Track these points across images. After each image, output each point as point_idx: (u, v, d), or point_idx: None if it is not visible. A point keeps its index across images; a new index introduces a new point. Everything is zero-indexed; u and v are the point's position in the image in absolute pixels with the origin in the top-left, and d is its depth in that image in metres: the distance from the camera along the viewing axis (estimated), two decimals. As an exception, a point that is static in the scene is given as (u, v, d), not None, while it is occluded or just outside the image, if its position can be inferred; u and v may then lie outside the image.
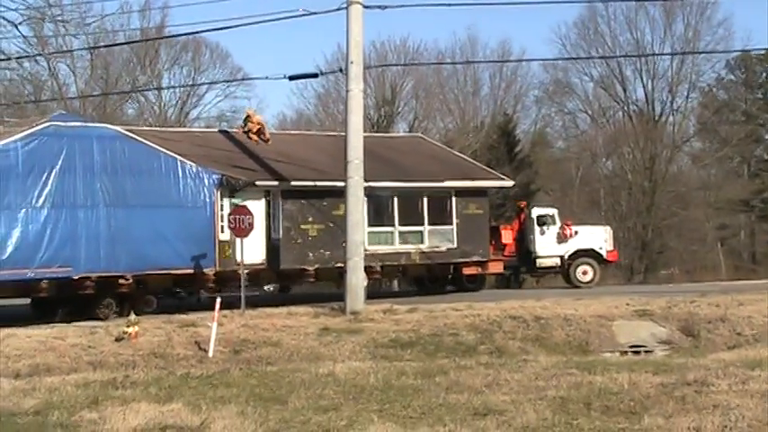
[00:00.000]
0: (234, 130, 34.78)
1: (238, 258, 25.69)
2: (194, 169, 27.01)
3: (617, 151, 62.19)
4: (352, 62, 24.62)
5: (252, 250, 28.35)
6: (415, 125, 60.45)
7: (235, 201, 26.61)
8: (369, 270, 31.54)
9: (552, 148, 67.71)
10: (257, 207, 28.38)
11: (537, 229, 35.19)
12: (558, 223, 35.52)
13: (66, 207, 24.88)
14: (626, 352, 21.07)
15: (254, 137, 31.00)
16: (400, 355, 19.85)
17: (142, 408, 11.69)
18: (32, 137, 24.86)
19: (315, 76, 39.76)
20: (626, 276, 52.64)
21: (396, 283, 42.78)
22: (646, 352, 21.01)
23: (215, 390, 13.34)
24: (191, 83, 59.15)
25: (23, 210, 24.26)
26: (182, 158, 26.99)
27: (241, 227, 25.02)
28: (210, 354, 19.68)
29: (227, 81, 59.95)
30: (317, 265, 29.39)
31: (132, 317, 21.09)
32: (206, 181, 27.07)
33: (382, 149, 34.67)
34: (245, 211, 25.50)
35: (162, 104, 60.51)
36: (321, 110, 63.84)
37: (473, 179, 33.62)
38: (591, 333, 21.98)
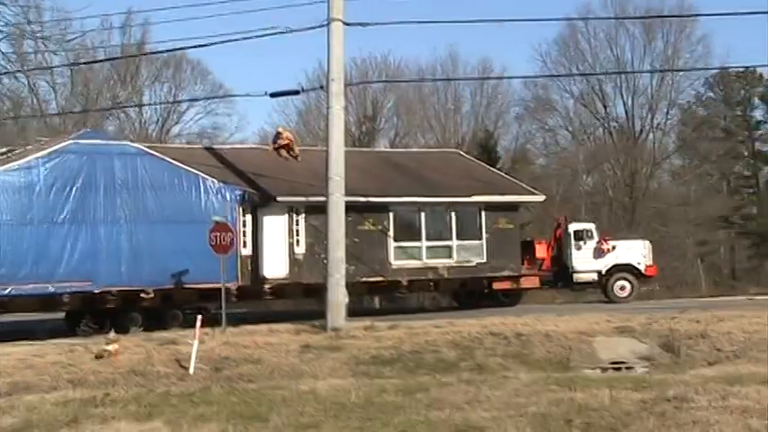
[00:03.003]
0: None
1: (266, 274, 26.70)
2: (216, 185, 27.48)
3: (597, 168, 62.30)
4: (332, 79, 24.59)
5: (275, 265, 28.61)
6: (397, 141, 60.45)
7: (215, 218, 26.61)
8: (395, 285, 31.71)
9: (533, 165, 67.59)
10: (280, 222, 29.08)
11: (574, 243, 35.40)
12: (596, 238, 35.71)
13: (87, 222, 25.36)
14: (607, 368, 21.05)
15: (284, 153, 31.14)
16: (381, 372, 19.77)
17: (122, 426, 11.67)
18: (54, 154, 25.42)
19: (296, 93, 39.48)
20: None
21: (377, 300, 42.62)
22: (626, 368, 20.99)
23: (195, 407, 13.30)
24: (172, 99, 59.12)
25: (45, 225, 24.70)
26: (203, 174, 27.44)
27: (222, 244, 25.00)
28: (191, 371, 19.57)
29: (209, 98, 59.67)
30: None
31: (112, 334, 20.95)
32: (228, 197, 27.56)
33: (415, 165, 34.93)
34: (225, 228, 25.53)
35: (143, 121, 60.26)
36: (302, 127, 63.59)
37: (502, 194, 33.64)
38: (572, 349, 21.95)
